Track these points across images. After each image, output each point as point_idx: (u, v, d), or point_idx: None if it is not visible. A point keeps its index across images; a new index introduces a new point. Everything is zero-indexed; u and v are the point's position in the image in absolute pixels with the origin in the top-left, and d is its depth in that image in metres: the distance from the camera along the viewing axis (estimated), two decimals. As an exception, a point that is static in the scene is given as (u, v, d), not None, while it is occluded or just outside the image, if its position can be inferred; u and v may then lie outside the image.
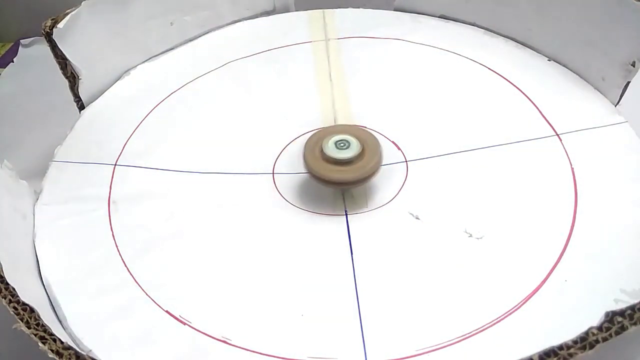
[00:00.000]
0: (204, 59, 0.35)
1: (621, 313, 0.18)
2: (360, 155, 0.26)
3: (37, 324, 0.20)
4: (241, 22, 0.38)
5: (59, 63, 0.32)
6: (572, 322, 0.20)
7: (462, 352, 0.21)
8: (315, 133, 0.27)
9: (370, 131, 0.28)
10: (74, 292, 0.24)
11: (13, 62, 0.46)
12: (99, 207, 0.27)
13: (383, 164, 0.26)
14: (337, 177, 0.25)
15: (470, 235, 0.25)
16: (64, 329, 0.23)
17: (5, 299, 0.21)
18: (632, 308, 0.18)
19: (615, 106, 0.30)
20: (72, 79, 0.32)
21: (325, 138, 0.26)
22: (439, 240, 0.25)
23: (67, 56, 0.31)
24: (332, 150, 0.26)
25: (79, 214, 0.27)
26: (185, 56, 0.36)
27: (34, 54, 0.46)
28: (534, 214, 0.25)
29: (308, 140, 0.27)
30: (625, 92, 0.29)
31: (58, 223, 0.27)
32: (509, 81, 0.32)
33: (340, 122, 0.31)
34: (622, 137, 0.28)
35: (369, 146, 0.26)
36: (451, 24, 0.36)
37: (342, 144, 0.26)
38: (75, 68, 0.32)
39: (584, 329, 0.18)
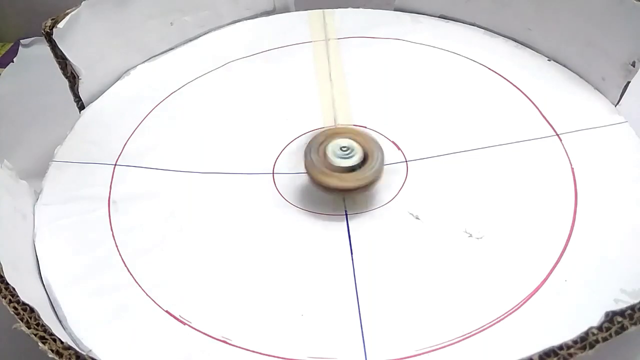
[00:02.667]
0: (204, 59, 0.35)
1: (621, 313, 0.18)
2: (362, 163, 0.26)
3: (37, 324, 0.20)
4: (241, 22, 0.38)
5: (59, 63, 0.31)
6: (572, 322, 0.20)
7: (462, 352, 0.21)
8: (316, 135, 0.27)
9: (370, 131, 0.28)
10: (74, 292, 0.24)
11: (13, 62, 0.46)
12: (99, 207, 0.27)
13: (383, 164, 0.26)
14: (340, 185, 0.25)
15: (470, 235, 0.25)
16: (64, 329, 0.23)
17: (5, 299, 0.21)
18: (632, 308, 0.18)
19: (615, 106, 0.30)
20: (72, 79, 0.32)
21: (328, 142, 0.26)
22: (439, 240, 0.25)
23: (67, 56, 0.31)
24: (335, 158, 0.26)
25: (79, 214, 0.27)
26: (185, 56, 0.36)
27: (34, 54, 0.46)
28: (534, 214, 0.25)
29: (309, 143, 0.27)
30: (625, 92, 0.29)
31: (58, 223, 0.27)
32: (509, 81, 0.32)
33: (340, 122, 0.31)
34: (622, 137, 0.28)
35: (371, 152, 0.26)
36: (451, 24, 0.36)
37: (345, 150, 0.26)
38: (75, 68, 0.32)
39: (584, 329, 0.18)
